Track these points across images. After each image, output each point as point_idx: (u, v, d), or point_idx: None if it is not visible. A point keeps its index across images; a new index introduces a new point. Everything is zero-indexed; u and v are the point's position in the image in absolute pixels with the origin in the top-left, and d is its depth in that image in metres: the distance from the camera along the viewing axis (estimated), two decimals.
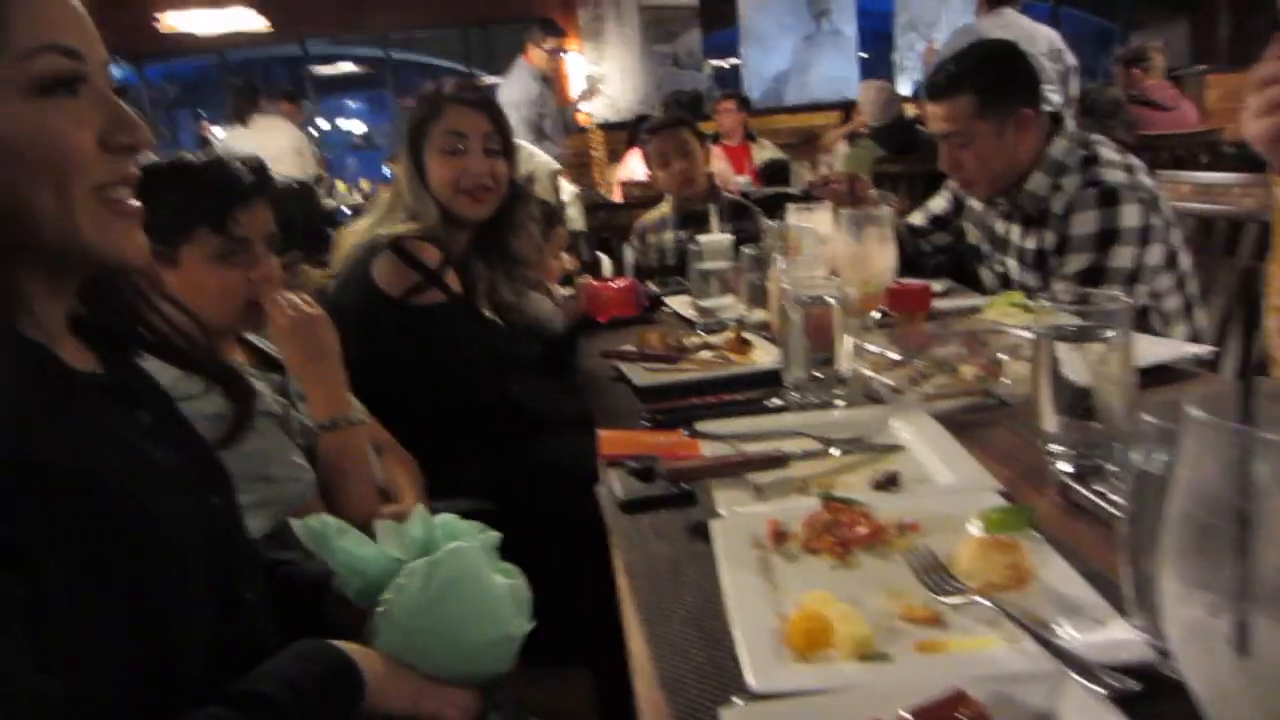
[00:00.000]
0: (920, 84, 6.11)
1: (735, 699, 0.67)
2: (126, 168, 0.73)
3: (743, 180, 4.88)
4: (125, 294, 0.82)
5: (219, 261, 1.30)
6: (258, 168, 1.37)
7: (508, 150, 1.89)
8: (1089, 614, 0.71)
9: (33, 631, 0.59)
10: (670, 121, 2.89)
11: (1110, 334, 0.93)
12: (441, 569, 0.89)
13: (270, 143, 5.68)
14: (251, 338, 1.50)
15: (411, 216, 1.83)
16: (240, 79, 7.18)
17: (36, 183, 0.68)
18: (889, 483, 0.99)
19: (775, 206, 3.06)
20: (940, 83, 1.89)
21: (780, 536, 0.89)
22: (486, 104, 1.88)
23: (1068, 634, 0.69)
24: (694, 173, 2.77)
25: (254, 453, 1.19)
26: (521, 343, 2.23)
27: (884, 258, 1.64)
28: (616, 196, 4.95)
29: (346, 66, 11.99)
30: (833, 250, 1.79)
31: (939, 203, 2.27)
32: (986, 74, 1.86)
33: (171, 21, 7.16)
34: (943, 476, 1.01)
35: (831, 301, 1.28)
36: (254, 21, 7.35)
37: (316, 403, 1.40)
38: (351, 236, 1.90)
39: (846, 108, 6.33)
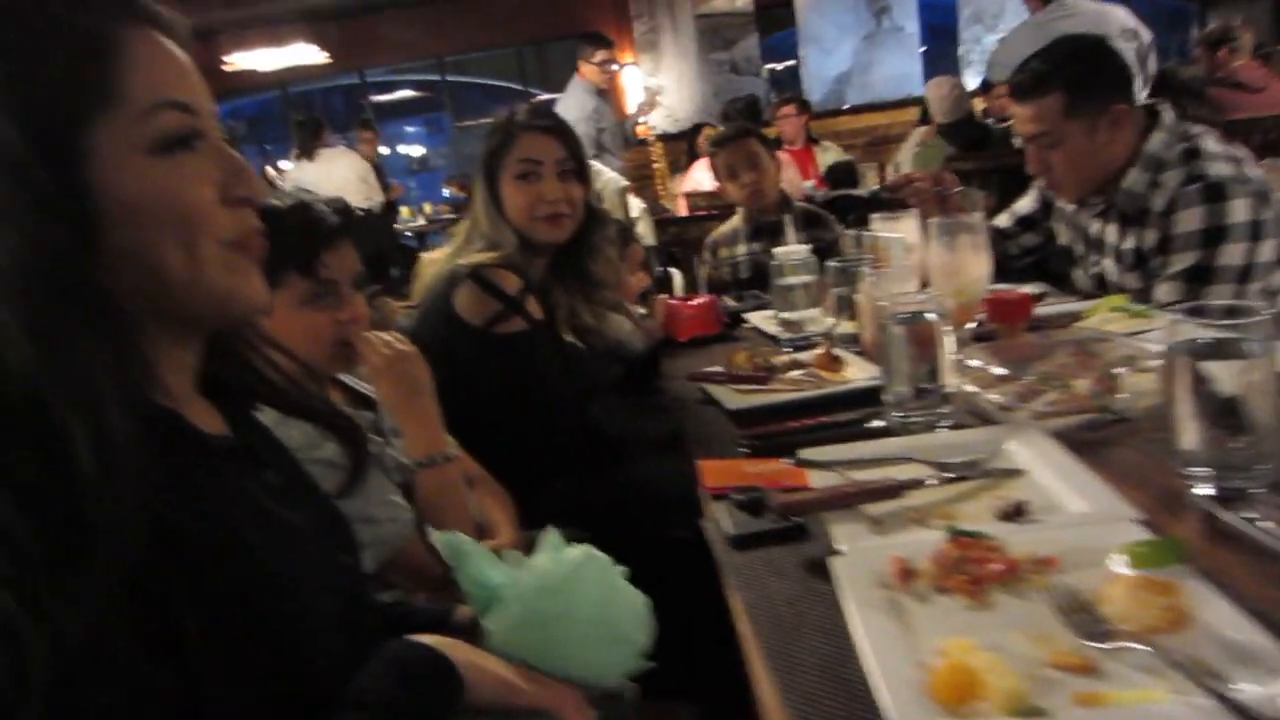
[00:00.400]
0: (988, 79, 5.97)
1: None
2: (248, 220, 0.73)
3: (808, 185, 4.82)
4: (240, 347, 0.82)
5: (307, 305, 1.31)
6: (341, 209, 1.38)
7: (582, 173, 1.89)
8: (1263, 661, 0.66)
9: None
10: (737, 133, 2.83)
11: (1252, 346, 0.87)
12: (569, 555, 0.88)
13: (335, 174, 5.82)
14: (342, 376, 1.51)
15: (490, 245, 1.84)
16: (303, 114, 7.36)
17: (167, 242, 0.67)
18: (1016, 513, 0.94)
19: (846, 210, 3.01)
20: (1026, 82, 1.82)
21: (907, 574, 0.85)
22: (559, 129, 1.88)
23: (1242, 685, 0.64)
24: (764, 184, 2.73)
25: (357, 494, 1.20)
26: (603, 366, 2.23)
27: (979, 265, 1.58)
28: (680, 209, 4.93)
29: (403, 92, 12.23)
30: (921, 259, 1.74)
31: (1026, 203, 2.19)
32: (1075, 70, 1.79)
33: (238, 62, 7.39)
34: (1072, 504, 0.96)
35: (932, 317, 1.24)
36: (315, 56, 7.54)
37: (413, 440, 1.40)
38: (432, 266, 1.92)
39: (921, 103, 6.18)
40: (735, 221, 2.85)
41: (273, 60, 7.44)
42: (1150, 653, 0.68)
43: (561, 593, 0.87)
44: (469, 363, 1.77)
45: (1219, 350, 0.88)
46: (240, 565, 0.65)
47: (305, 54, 7.51)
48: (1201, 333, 0.91)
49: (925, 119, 5.80)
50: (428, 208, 8.16)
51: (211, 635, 0.60)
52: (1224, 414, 0.88)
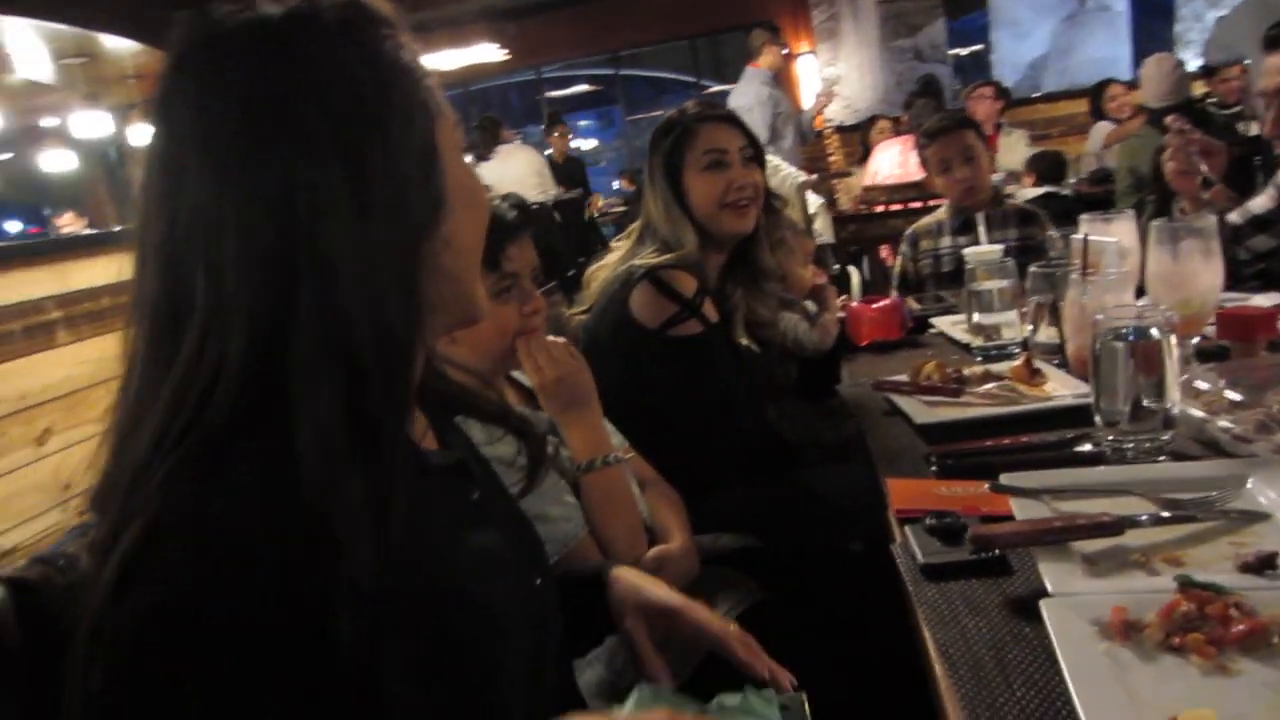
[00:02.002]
0: (1206, 62, 5.43)
1: None
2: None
3: (995, 178, 4.56)
4: (432, 356, 0.84)
5: (493, 299, 1.34)
6: (519, 204, 1.42)
7: (760, 159, 1.89)
8: None
9: None
10: (954, 124, 2.64)
11: None
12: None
13: (510, 170, 6.03)
14: (516, 375, 1.54)
15: (665, 246, 1.83)
16: (480, 116, 7.64)
17: (472, 232, 0.74)
18: (1264, 565, 0.83)
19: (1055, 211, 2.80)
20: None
21: (1130, 627, 0.77)
22: (734, 118, 1.89)
23: None
24: (978, 180, 2.55)
25: (533, 493, 1.22)
26: (778, 367, 2.18)
27: (1208, 275, 1.42)
28: (851, 204, 4.79)
29: (578, 87, 12.50)
30: (1135, 263, 1.59)
31: (1262, 201, 1.96)
32: None
33: (425, 63, 7.75)
34: None
35: (1157, 334, 1.12)
36: (495, 54, 7.82)
37: (576, 446, 1.41)
38: (601, 272, 1.93)
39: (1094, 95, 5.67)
40: (940, 214, 2.69)
41: (456, 60, 7.78)
42: None
43: None
44: (644, 365, 1.77)
45: None
46: (439, 593, 0.65)
47: (486, 53, 7.80)
48: None
49: (1100, 113, 5.34)
50: (599, 201, 8.30)
51: (406, 663, 0.60)
52: None
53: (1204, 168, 1.87)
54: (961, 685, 0.78)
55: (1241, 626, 0.73)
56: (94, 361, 2.96)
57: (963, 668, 0.80)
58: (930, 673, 0.84)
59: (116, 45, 5.17)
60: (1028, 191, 4.17)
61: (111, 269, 2.88)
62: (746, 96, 5.51)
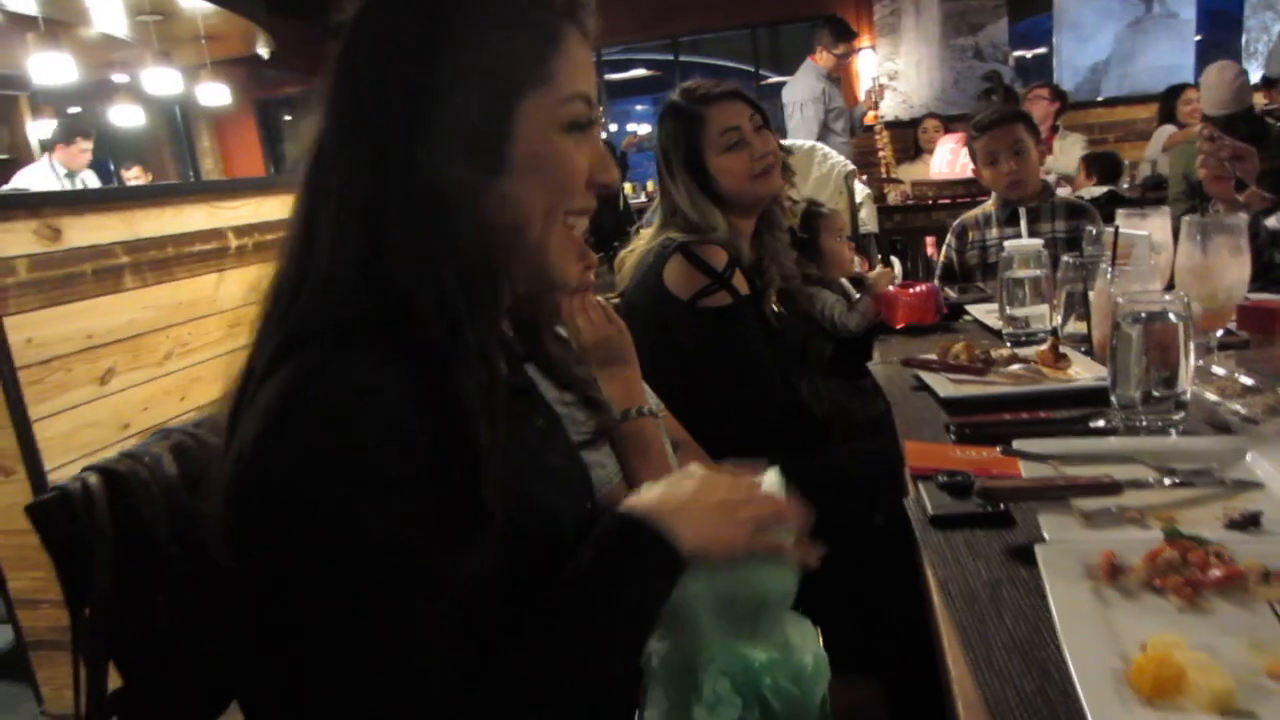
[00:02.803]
0: (1267, 75, 5.36)
1: None
2: (592, 202, 0.86)
3: (1048, 177, 4.55)
4: (539, 314, 0.94)
5: None
6: None
7: (768, 123, 1.96)
8: None
9: None
10: (1005, 117, 2.63)
11: None
12: None
13: None
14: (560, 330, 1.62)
15: (693, 230, 1.90)
16: None
17: (539, 200, 0.81)
18: (1248, 522, 0.89)
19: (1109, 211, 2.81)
20: None
21: (1116, 570, 0.83)
22: (736, 92, 1.95)
23: None
24: (1026, 174, 2.55)
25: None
26: (811, 342, 2.24)
27: (1236, 270, 1.46)
28: (897, 198, 4.80)
29: (636, 71, 12.53)
30: (1168, 259, 1.63)
31: None
32: None
33: None
34: None
35: (1175, 319, 1.17)
36: None
37: (615, 397, 1.49)
38: (631, 256, 2.00)
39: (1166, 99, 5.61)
40: (988, 205, 2.70)
41: None
42: None
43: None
44: (677, 334, 1.85)
45: None
46: (518, 493, 0.76)
47: None
48: None
49: (1170, 116, 5.28)
50: (650, 185, 8.35)
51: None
52: None
53: (1238, 172, 1.89)
54: (956, 614, 0.84)
55: (1219, 572, 0.79)
56: (157, 307, 3.09)
57: (959, 600, 0.87)
58: (929, 605, 0.90)
59: (190, 5, 5.31)
60: (1090, 190, 4.16)
61: (178, 219, 2.99)
62: (800, 92, 5.54)
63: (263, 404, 0.70)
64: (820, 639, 1.04)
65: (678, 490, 0.87)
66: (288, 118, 9.93)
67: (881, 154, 6.23)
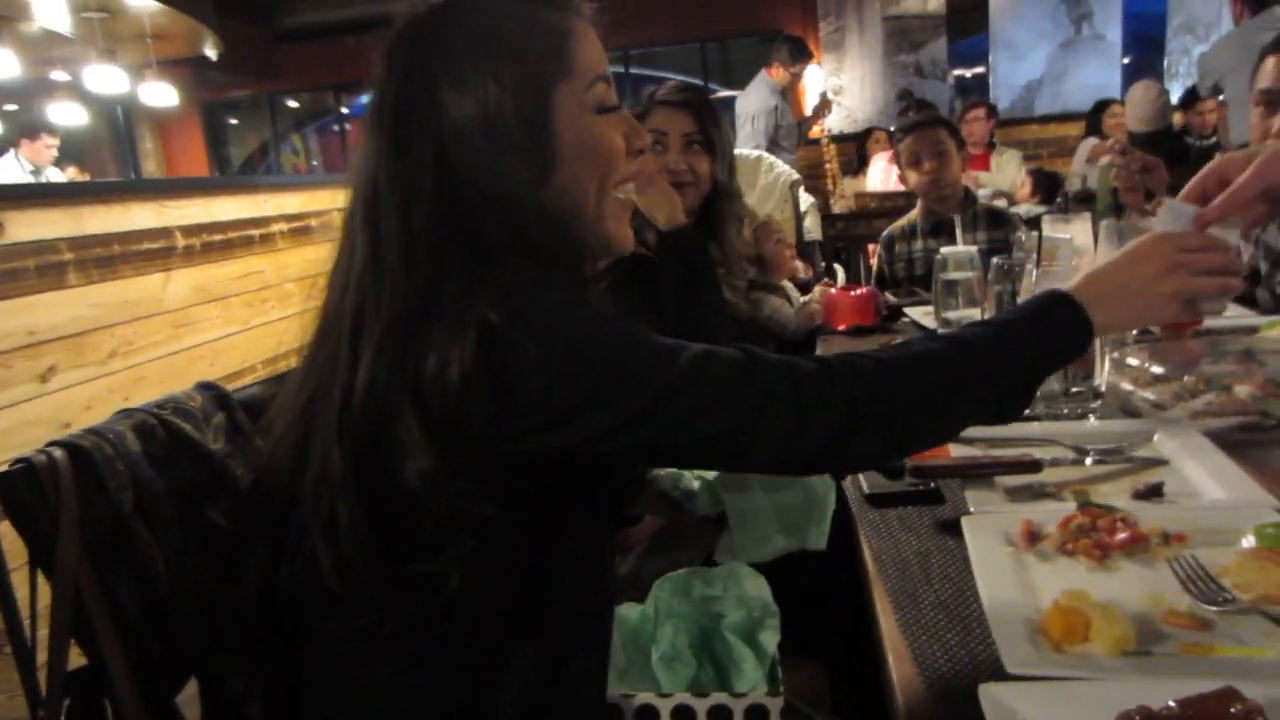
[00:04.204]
0: (1193, 91, 5.63)
1: (992, 682, 0.70)
2: (634, 166, 0.92)
3: (985, 192, 4.71)
4: None
5: None
6: None
7: (710, 146, 1.94)
8: None
9: None
10: (927, 120, 2.76)
11: None
12: None
13: None
14: None
15: None
16: None
17: (590, 180, 0.87)
18: (1151, 493, 0.97)
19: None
20: None
21: (1033, 536, 0.91)
22: (691, 104, 1.95)
23: None
24: (944, 175, 2.64)
25: None
26: (757, 345, 2.30)
27: None
28: (842, 208, 4.93)
29: None
30: (1090, 261, 1.73)
31: None
32: None
33: None
34: (1211, 491, 0.98)
35: None
36: None
37: None
38: None
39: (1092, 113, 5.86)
40: (913, 215, 2.78)
41: None
42: (1266, 618, 0.72)
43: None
44: None
45: None
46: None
47: None
48: None
49: (1095, 130, 5.51)
50: None
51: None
52: None
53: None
54: (888, 580, 0.91)
55: (1124, 535, 0.87)
56: (102, 305, 3.04)
57: (891, 568, 0.93)
58: (864, 574, 0.97)
59: (137, 3, 5.23)
60: (1033, 209, 4.32)
61: (125, 217, 2.94)
62: (752, 104, 5.65)
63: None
64: (770, 590, 1.10)
65: (1106, 272, 0.90)
66: (234, 121, 9.81)
67: (828, 166, 6.38)
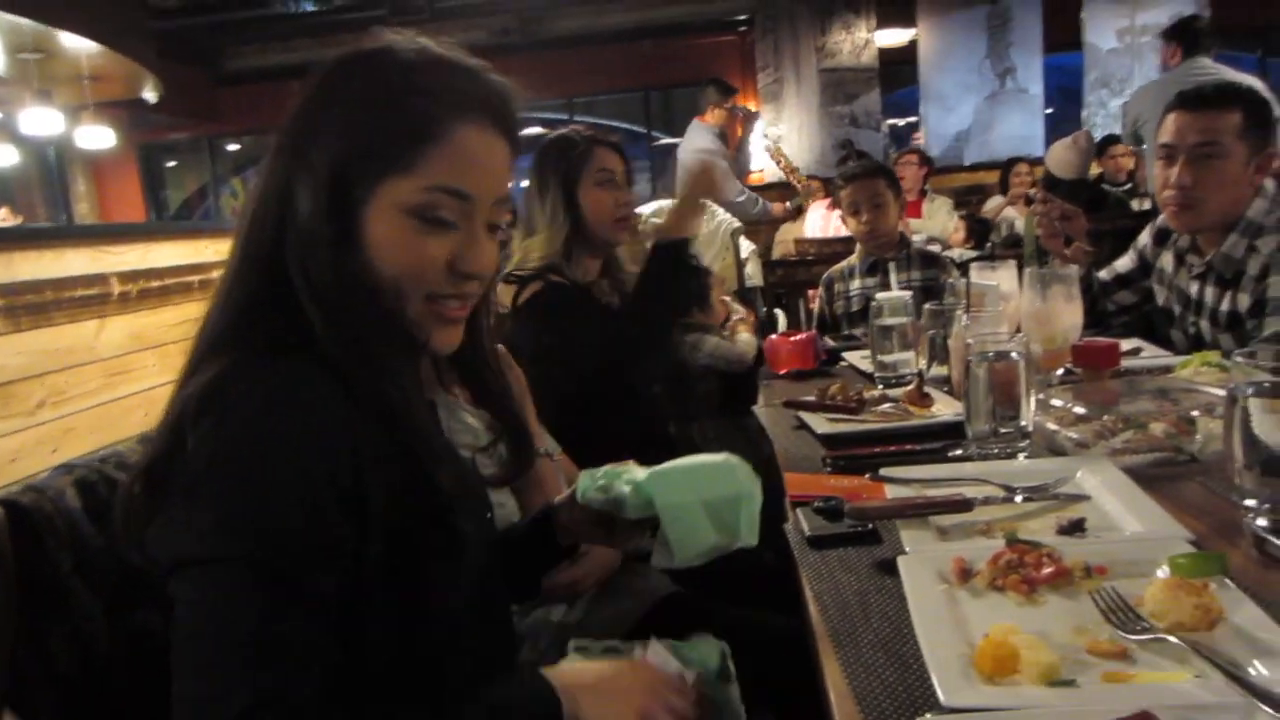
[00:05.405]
0: (1109, 138, 5.93)
1: (929, 715, 0.73)
2: (464, 287, 0.88)
3: (919, 238, 4.87)
4: (475, 359, 1.02)
5: None
6: None
7: (631, 183, 2.13)
8: None
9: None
10: (867, 171, 2.89)
11: None
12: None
13: None
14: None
15: (544, 248, 2.00)
16: None
17: (388, 278, 0.85)
18: (1074, 528, 1.02)
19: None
20: (1209, 94, 1.88)
21: (965, 573, 0.94)
22: (620, 147, 2.11)
23: (1260, 673, 0.71)
24: (882, 225, 2.78)
25: None
26: (700, 385, 2.35)
27: (1070, 315, 1.64)
28: (781, 253, 5.04)
29: (532, 129, 12.74)
30: (1016, 307, 1.81)
31: (1124, 262, 2.24)
32: (1253, 101, 1.86)
33: None
34: (1130, 526, 1.03)
35: (1016, 357, 1.32)
36: None
37: None
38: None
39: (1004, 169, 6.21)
40: (852, 258, 2.91)
41: None
42: (1180, 644, 0.76)
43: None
44: (515, 347, 1.88)
45: (1275, 391, 0.94)
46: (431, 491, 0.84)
47: None
48: (1264, 377, 0.97)
49: (1004, 187, 5.81)
50: None
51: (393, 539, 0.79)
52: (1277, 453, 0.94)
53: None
54: (830, 620, 0.94)
55: (1050, 569, 0.91)
56: (30, 353, 2.97)
57: (832, 608, 0.96)
58: (806, 614, 0.99)
59: (75, 44, 5.16)
60: (965, 253, 4.48)
61: (59, 263, 2.89)
62: (690, 151, 5.78)
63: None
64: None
65: (600, 669, 0.91)
66: (172, 163, 9.66)
67: (782, 164, 6.51)
